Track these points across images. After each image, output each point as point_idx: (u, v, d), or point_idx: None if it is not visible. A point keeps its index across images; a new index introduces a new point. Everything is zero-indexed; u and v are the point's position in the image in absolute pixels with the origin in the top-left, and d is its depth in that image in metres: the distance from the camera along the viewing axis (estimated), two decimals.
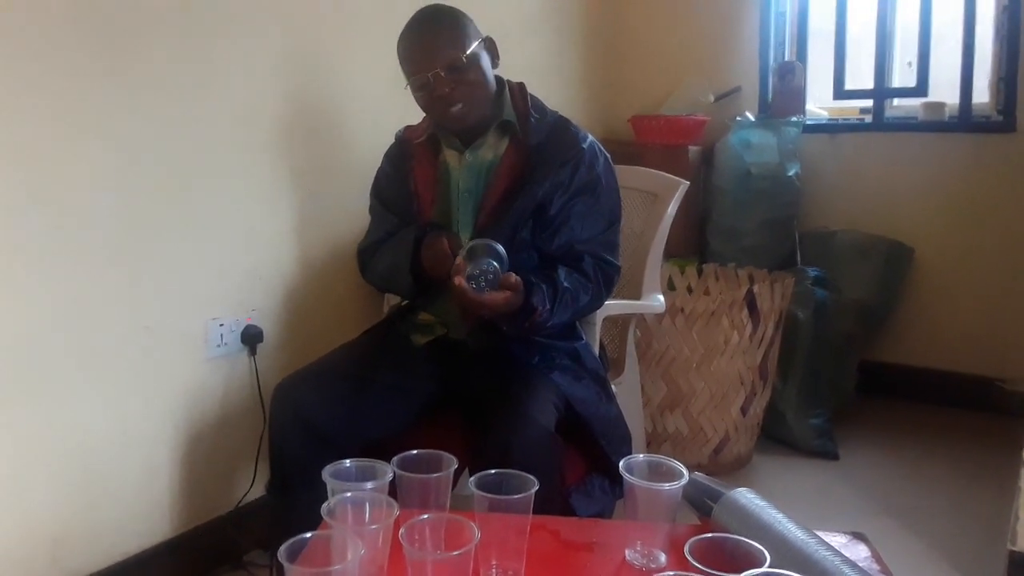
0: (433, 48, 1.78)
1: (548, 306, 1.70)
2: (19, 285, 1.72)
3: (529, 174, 1.82)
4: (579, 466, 1.76)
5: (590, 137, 1.92)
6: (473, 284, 1.61)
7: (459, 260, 1.65)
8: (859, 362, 3.22)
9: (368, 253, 2.00)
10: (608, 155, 1.94)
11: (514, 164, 1.86)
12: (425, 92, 1.80)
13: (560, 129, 1.90)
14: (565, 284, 1.74)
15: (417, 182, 1.92)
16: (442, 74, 1.76)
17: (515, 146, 1.87)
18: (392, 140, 2.04)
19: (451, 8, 1.86)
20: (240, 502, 2.19)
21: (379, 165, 2.04)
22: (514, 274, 1.63)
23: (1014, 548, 1.99)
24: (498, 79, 1.91)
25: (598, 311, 1.97)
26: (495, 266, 1.62)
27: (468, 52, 1.79)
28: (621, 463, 1.20)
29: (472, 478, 1.18)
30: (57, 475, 1.82)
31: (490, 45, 1.88)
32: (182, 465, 2.07)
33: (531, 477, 1.17)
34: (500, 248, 1.64)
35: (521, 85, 1.95)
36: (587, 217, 1.83)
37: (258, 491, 2.15)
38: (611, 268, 1.86)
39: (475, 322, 1.79)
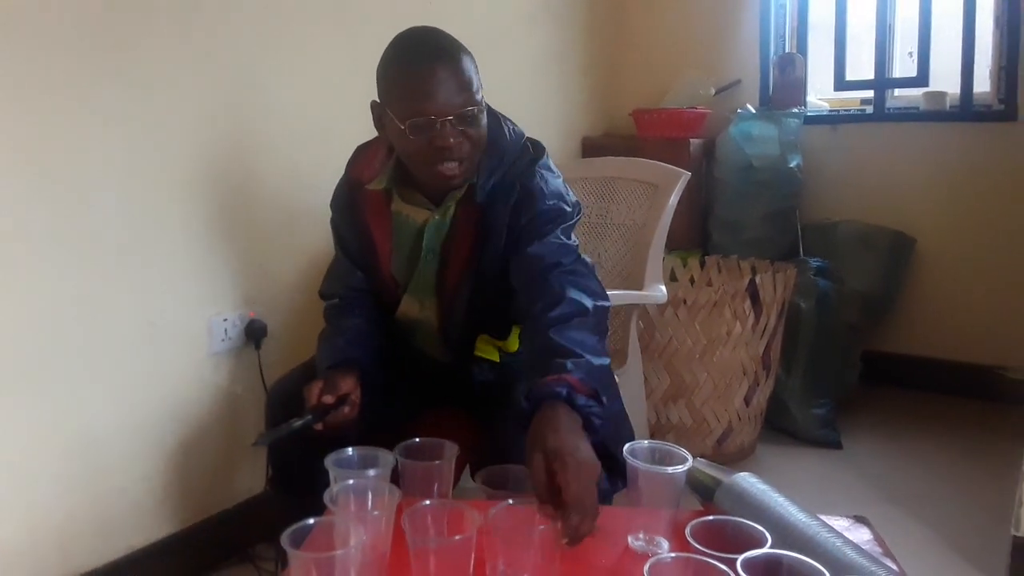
0: (449, 88, 1.48)
1: (584, 383, 1.33)
2: (23, 281, 1.73)
3: (483, 238, 1.62)
4: None
5: (531, 169, 1.63)
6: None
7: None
8: (862, 352, 3.22)
9: (327, 304, 1.80)
10: (542, 161, 1.66)
11: (469, 222, 1.63)
12: (423, 138, 1.50)
13: (505, 179, 1.62)
14: (579, 365, 1.36)
15: (373, 234, 1.72)
16: (452, 121, 1.49)
17: (467, 201, 1.63)
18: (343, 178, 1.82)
19: (456, 40, 1.56)
20: (246, 496, 2.20)
21: (331, 198, 1.82)
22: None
23: (1017, 534, 1.99)
24: None
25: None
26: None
27: (482, 99, 1.54)
28: (625, 448, 1.20)
29: (478, 476, 1.19)
30: (64, 469, 1.83)
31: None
32: (188, 459, 2.08)
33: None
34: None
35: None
36: (535, 241, 1.57)
37: (264, 485, 2.16)
38: (576, 266, 1.57)
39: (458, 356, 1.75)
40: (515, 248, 1.59)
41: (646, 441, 1.25)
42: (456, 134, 1.50)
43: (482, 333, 1.73)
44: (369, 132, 1.79)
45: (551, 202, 1.61)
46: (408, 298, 1.74)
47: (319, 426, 1.50)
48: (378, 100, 1.58)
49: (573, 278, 1.53)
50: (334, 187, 1.81)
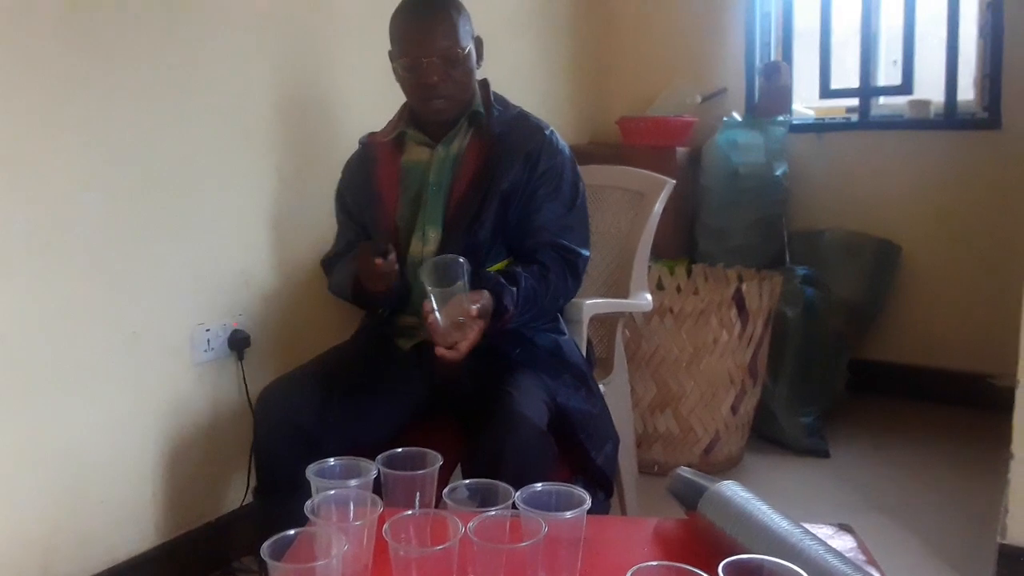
0: (433, 33, 1.78)
1: (515, 307, 1.69)
2: (4, 291, 1.71)
3: (493, 164, 1.83)
4: (564, 471, 1.75)
5: (550, 128, 1.92)
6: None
7: (427, 310, 1.60)
8: (849, 360, 3.22)
9: (327, 267, 2.02)
10: (568, 146, 1.94)
11: (478, 154, 1.86)
12: (412, 76, 1.81)
13: (521, 121, 1.91)
14: (526, 284, 1.73)
15: (380, 183, 1.92)
16: (436, 62, 1.77)
17: (478, 137, 1.88)
18: (358, 148, 2.03)
19: None
20: (229, 508, 2.18)
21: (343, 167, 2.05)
22: (479, 301, 1.62)
23: (1003, 541, 2.00)
24: None
25: (583, 308, 1.97)
26: (464, 291, 1.60)
27: (465, 47, 1.81)
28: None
29: (447, 492, 1.17)
30: (46, 483, 1.82)
31: (479, 44, 1.89)
32: (171, 471, 2.07)
33: (509, 488, 1.15)
34: (460, 262, 1.61)
35: (485, 80, 1.96)
36: (546, 203, 1.84)
37: (247, 496, 2.14)
38: (572, 254, 1.84)
39: None
40: (529, 200, 1.83)
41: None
42: (441, 73, 1.78)
43: (481, 268, 1.77)
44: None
45: (567, 167, 1.89)
46: (413, 237, 1.87)
47: (379, 261, 1.68)
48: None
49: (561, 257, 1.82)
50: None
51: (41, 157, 1.76)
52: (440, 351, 1.59)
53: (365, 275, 1.75)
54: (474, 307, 1.60)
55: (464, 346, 1.59)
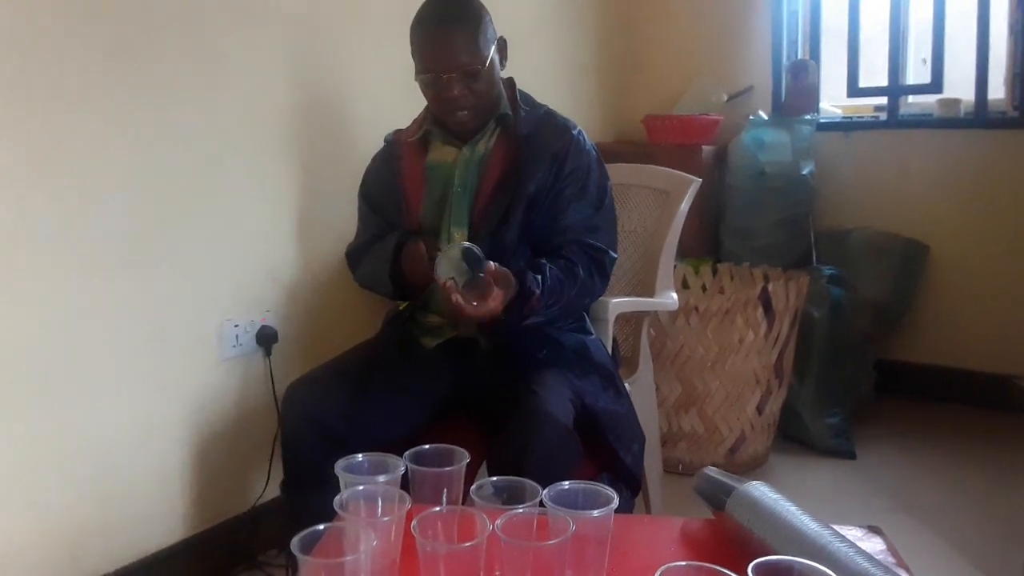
0: (453, 50, 1.75)
1: (540, 290, 1.67)
2: (34, 288, 1.74)
3: (520, 166, 1.82)
4: (589, 467, 1.75)
5: (577, 127, 1.91)
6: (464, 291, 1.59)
7: (444, 280, 1.60)
8: (876, 361, 3.20)
9: (355, 256, 2.01)
10: (594, 145, 1.94)
11: (504, 155, 1.85)
12: (434, 90, 1.80)
13: (548, 121, 1.90)
14: (551, 273, 1.71)
15: (405, 182, 1.92)
16: (456, 78, 1.76)
17: (505, 137, 1.87)
18: (383, 145, 2.04)
19: (473, 5, 1.82)
20: (256, 502, 2.20)
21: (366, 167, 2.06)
22: (494, 264, 1.61)
23: None
24: None
25: (609, 307, 1.96)
26: (479, 271, 1.59)
27: (486, 59, 1.78)
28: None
29: (475, 489, 1.17)
30: (74, 477, 1.84)
31: (502, 46, 1.87)
32: (198, 466, 2.08)
33: (536, 485, 1.15)
34: (475, 249, 1.59)
35: (511, 79, 1.95)
36: (573, 204, 1.83)
37: (273, 491, 2.15)
38: (599, 253, 1.82)
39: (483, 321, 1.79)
40: (556, 202, 1.81)
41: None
42: (461, 88, 1.77)
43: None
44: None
45: (594, 167, 1.87)
46: (439, 238, 1.86)
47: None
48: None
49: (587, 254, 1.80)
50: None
51: (67, 156, 1.78)
52: (456, 297, 1.57)
53: (413, 267, 1.80)
54: (491, 264, 1.58)
55: (483, 310, 1.59)
